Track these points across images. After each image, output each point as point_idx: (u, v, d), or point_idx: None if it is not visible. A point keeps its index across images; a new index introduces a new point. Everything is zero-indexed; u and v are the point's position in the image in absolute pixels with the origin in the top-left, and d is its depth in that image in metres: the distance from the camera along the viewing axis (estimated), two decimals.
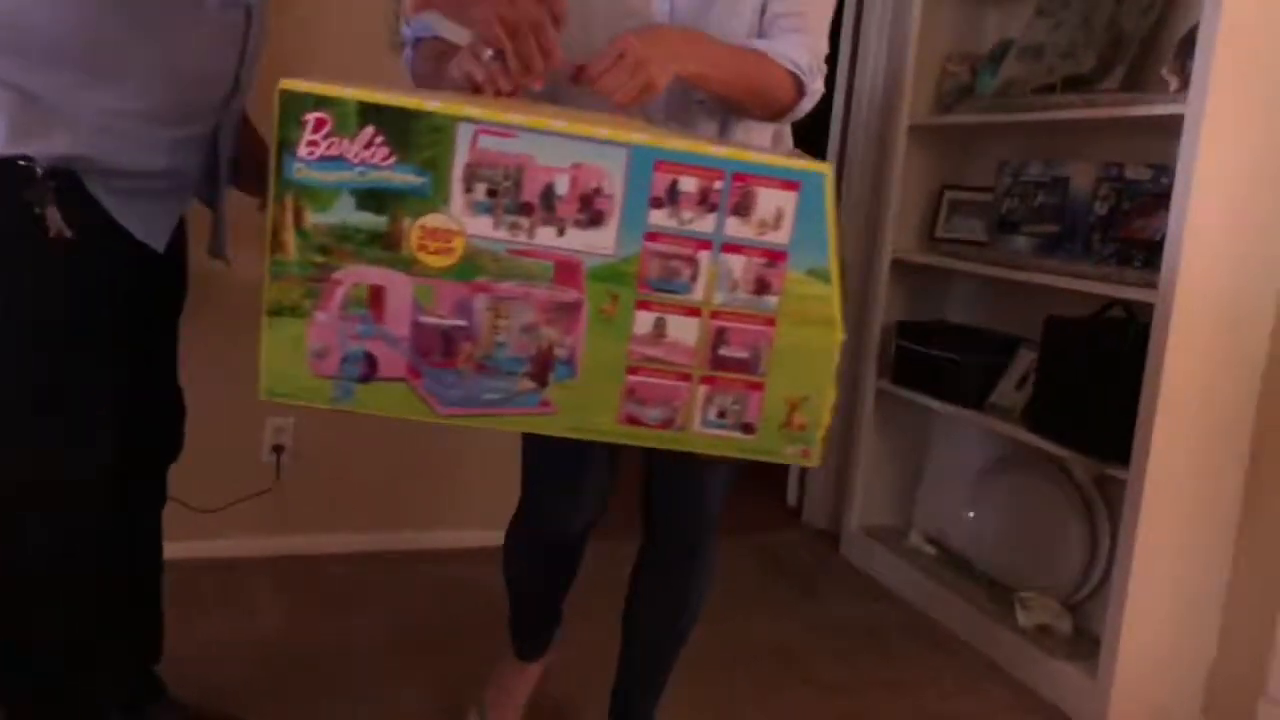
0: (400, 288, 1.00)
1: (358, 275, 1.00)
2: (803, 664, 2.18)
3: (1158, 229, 2.01)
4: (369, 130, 0.96)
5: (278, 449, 2.42)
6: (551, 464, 1.50)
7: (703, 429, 1.07)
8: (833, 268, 1.02)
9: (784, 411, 1.07)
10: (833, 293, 1.03)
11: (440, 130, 0.97)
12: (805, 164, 1.01)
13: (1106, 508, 2.21)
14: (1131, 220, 2.15)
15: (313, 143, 0.96)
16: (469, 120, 0.97)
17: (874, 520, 2.84)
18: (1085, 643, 2.14)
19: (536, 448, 1.51)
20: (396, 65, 1.39)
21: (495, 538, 1.68)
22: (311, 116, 0.96)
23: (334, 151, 0.97)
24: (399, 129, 0.97)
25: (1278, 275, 1.94)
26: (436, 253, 0.99)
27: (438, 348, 1.02)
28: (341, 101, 0.96)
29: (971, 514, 2.57)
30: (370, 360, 1.03)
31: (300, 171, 0.97)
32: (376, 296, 1.01)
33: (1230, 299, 1.91)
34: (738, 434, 1.07)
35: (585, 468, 1.48)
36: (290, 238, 0.99)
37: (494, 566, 1.66)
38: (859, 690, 2.10)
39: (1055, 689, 2.13)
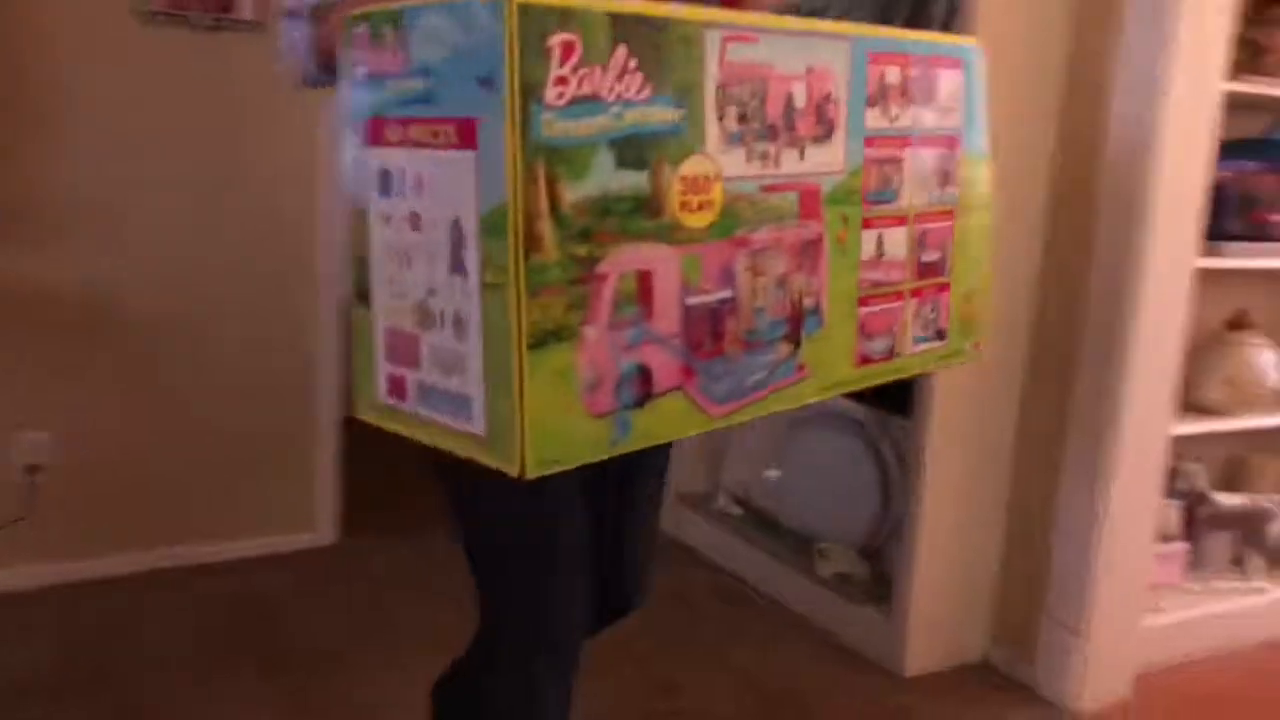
0: (668, 266, 0.76)
1: (624, 261, 0.73)
2: (608, 639, 2.17)
3: None
4: (622, 52, 0.71)
5: (32, 469, 2.22)
6: (577, 548, 1.12)
7: (913, 348, 0.97)
8: (984, 148, 0.99)
9: (961, 307, 1.01)
10: (988, 172, 0.99)
11: (689, 43, 0.75)
12: (958, 39, 0.97)
13: (896, 457, 2.28)
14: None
15: (562, 79, 0.68)
16: (715, 25, 0.76)
17: (686, 488, 2.86)
18: (882, 587, 2.21)
19: (560, 530, 1.10)
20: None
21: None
22: (558, 40, 0.67)
23: (587, 89, 0.69)
24: (652, 46, 0.72)
25: (1037, 243, 2.04)
26: (700, 209, 0.77)
27: (707, 333, 0.80)
28: (589, 15, 0.69)
29: (773, 472, 2.62)
30: (645, 375, 0.77)
31: (551, 125, 0.67)
32: (645, 285, 0.75)
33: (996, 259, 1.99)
34: (936, 343, 0.99)
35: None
36: (547, 227, 0.68)
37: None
38: (666, 656, 2.11)
39: (856, 634, 2.19)
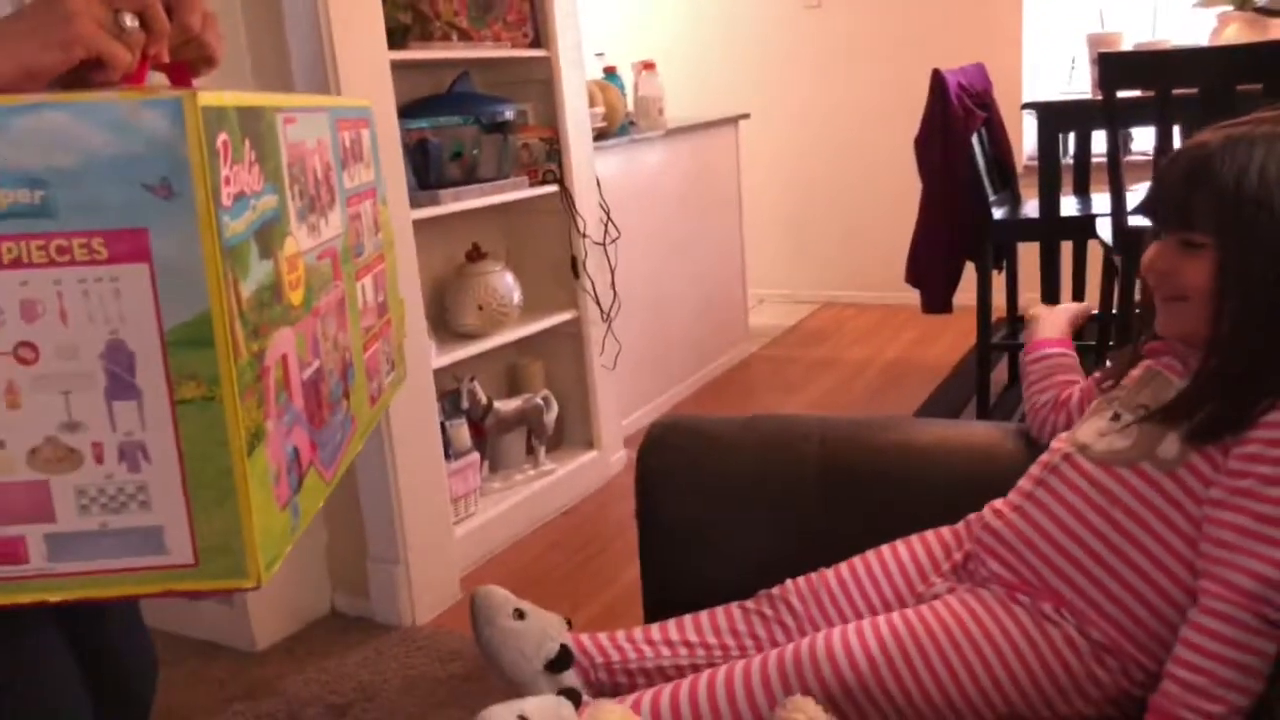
0: (292, 347, 0.74)
1: (275, 350, 0.71)
2: None
3: None
4: (247, 146, 0.69)
5: None
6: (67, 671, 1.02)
7: (385, 381, 0.99)
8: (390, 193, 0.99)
9: (397, 337, 1.05)
10: (389, 213, 1.05)
11: (272, 130, 0.74)
12: (358, 100, 1.01)
13: None
14: None
15: (227, 180, 0.65)
16: (279, 110, 0.76)
17: None
18: None
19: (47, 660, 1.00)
20: None
21: None
22: (220, 140, 0.64)
23: (239, 187, 0.67)
24: (257, 136, 0.70)
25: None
26: (296, 286, 0.76)
27: (316, 404, 0.79)
28: (231, 113, 0.66)
29: None
30: (298, 457, 0.75)
31: (228, 227, 0.64)
32: (286, 370, 0.73)
33: None
34: (392, 373, 1.02)
35: None
36: (240, 330, 0.65)
37: None
38: None
39: (205, 627, 2.23)
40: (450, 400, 2.51)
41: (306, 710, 1.95)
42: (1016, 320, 3.40)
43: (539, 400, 2.67)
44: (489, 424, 2.60)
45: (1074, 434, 1.07)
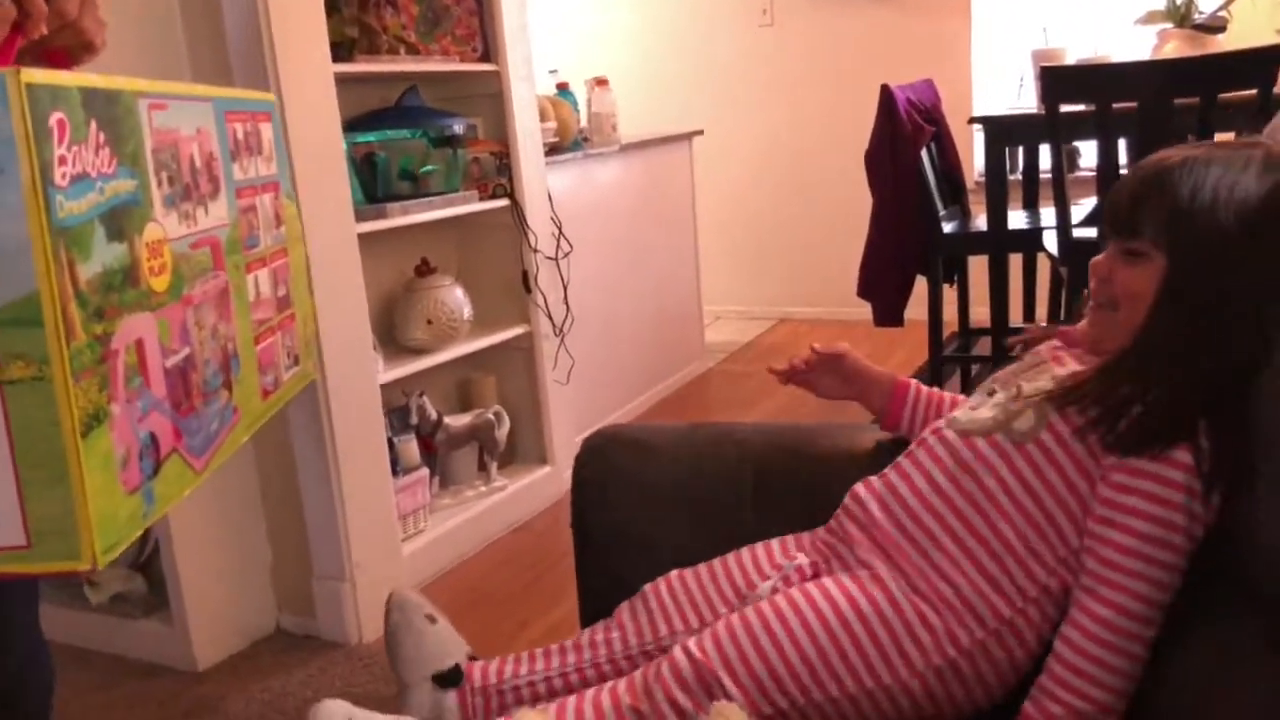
0: (151, 333, 0.75)
1: (126, 333, 0.71)
2: None
3: None
4: (94, 127, 0.69)
5: None
6: None
7: (285, 376, 0.99)
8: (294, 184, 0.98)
9: (302, 333, 1.04)
10: (295, 210, 1.05)
11: (131, 113, 0.74)
12: (263, 94, 1.02)
13: None
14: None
15: (63, 159, 0.65)
16: (143, 95, 0.76)
17: None
18: (161, 595, 2.22)
19: None
20: None
21: None
22: (55, 119, 0.64)
23: (79, 168, 0.67)
24: (110, 119, 0.71)
25: None
26: (160, 272, 0.76)
27: (183, 392, 0.79)
28: (69, 92, 0.66)
29: None
30: (155, 443, 0.75)
31: (63, 206, 0.64)
32: (141, 355, 0.73)
33: None
34: (295, 368, 1.02)
35: None
36: (75, 311, 0.65)
37: None
38: None
39: (146, 648, 2.18)
40: (398, 415, 2.49)
41: None
42: (969, 333, 3.43)
43: (490, 415, 2.65)
44: (439, 439, 2.57)
45: (952, 412, 1.11)
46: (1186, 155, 0.99)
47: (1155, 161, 1.00)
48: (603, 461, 1.24)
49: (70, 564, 0.67)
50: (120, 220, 0.72)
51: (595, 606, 1.15)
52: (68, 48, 0.88)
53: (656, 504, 1.19)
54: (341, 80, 2.14)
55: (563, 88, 3.32)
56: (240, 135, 0.93)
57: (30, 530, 0.66)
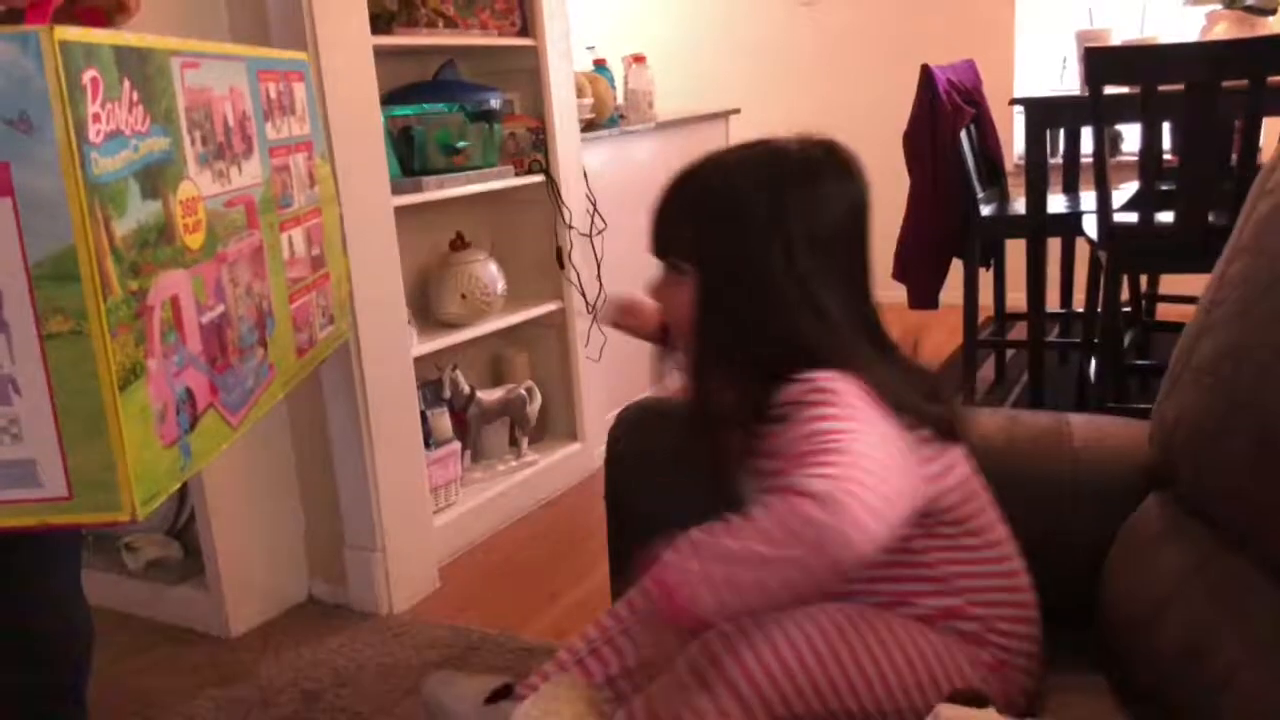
0: (186, 289, 0.76)
1: (162, 290, 0.73)
2: None
3: None
4: (127, 86, 0.69)
5: None
6: None
7: (320, 335, 1.01)
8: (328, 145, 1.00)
9: (337, 293, 1.05)
10: (329, 171, 1.04)
11: (163, 73, 0.75)
12: (295, 54, 1.01)
13: None
14: None
15: (96, 117, 0.66)
16: (177, 54, 0.77)
17: None
18: (197, 561, 2.25)
19: None
20: None
21: None
22: (88, 77, 0.65)
23: (113, 125, 0.67)
24: (143, 78, 0.72)
25: None
26: (195, 230, 0.77)
27: (219, 348, 0.81)
28: (103, 50, 0.67)
29: None
30: (191, 398, 0.77)
31: (98, 163, 0.65)
32: (176, 311, 0.75)
33: None
34: (330, 328, 1.03)
35: None
36: (111, 267, 0.66)
37: None
38: None
39: (180, 613, 2.21)
40: (432, 389, 2.50)
41: (279, 696, 1.93)
42: (1004, 317, 3.39)
43: (522, 391, 2.66)
44: (471, 413, 2.58)
45: None
46: (707, 159, 1.00)
47: (681, 173, 1.01)
48: (638, 434, 1.23)
49: (111, 514, 0.68)
50: (154, 178, 0.72)
51: (628, 580, 1.14)
52: (103, 8, 0.89)
53: (692, 478, 1.19)
54: (380, 53, 2.13)
55: (600, 64, 3.30)
56: (273, 94, 0.93)
57: (71, 482, 0.67)
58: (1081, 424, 1.20)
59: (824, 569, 0.77)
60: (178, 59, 0.77)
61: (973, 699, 0.78)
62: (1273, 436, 0.88)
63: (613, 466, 1.24)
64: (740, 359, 0.96)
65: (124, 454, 0.67)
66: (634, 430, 1.24)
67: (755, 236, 0.94)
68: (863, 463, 0.81)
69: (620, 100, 3.38)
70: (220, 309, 0.81)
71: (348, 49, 2.04)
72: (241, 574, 2.17)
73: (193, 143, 0.78)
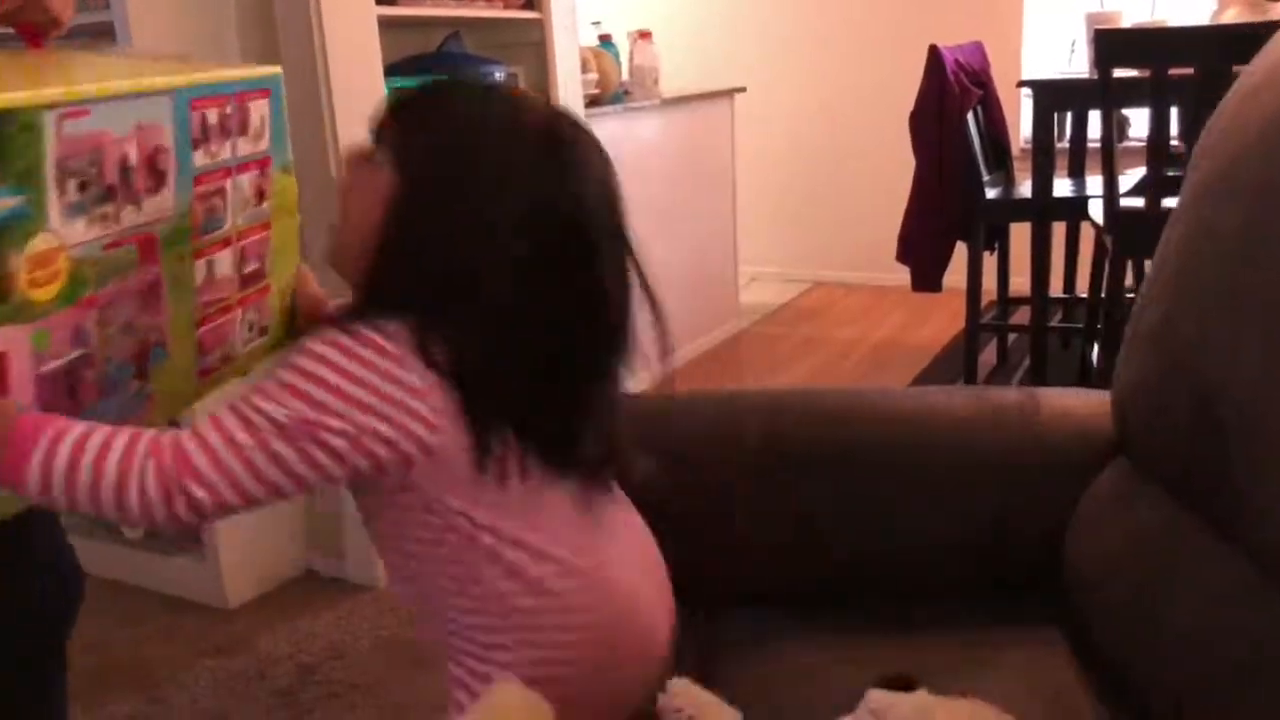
0: (20, 345, 0.77)
1: None
2: None
3: None
4: None
5: None
6: None
7: (243, 349, 1.03)
8: (290, 160, 1.04)
9: (279, 303, 1.07)
10: (293, 179, 1.05)
11: (29, 129, 0.74)
12: (265, 70, 1.01)
13: None
14: None
15: None
16: (52, 107, 0.75)
17: None
18: (195, 533, 2.25)
19: None
20: None
21: None
22: None
23: None
24: None
25: None
26: (45, 283, 0.78)
27: (62, 392, 0.82)
28: None
29: None
30: None
31: None
32: (3, 367, 0.77)
33: None
34: (259, 339, 1.05)
35: None
36: None
37: None
38: None
39: (178, 584, 2.22)
40: None
41: (276, 668, 1.94)
42: (1007, 302, 3.39)
43: None
44: None
45: None
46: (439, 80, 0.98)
47: (437, 84, 0.98)
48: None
49: None
50: None
51: None
52: (37, 23, 0.89)
53: (664, 472, 1.19)
54: (384, 24, 2.12)
55: (605, 39, 3.28)
56: (212, 120, 0.93)
57: None
58: (1048, 396, 1.23)
59: (137, 520, 0.81)
60: (54, 112, 0.77)
61: (900, 683, 0.77)
62: (1209, 398, 0.90)
63: None
64: (387, 272, 0.88)
65: None
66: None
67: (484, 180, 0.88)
68: (240, 434, 0.81)
69: (625, 76, 3.36)
70: (77, 352, 0.82)
71: (351, 18, 2.03)
72: (240, 546, 2.17)
73: (62, 193, 0.78)
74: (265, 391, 0.83)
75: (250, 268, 1.02)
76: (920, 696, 0.77)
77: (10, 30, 0.96)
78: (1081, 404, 1.21)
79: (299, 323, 1.08)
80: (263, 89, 1.01)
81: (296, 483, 0.83)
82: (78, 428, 0.80)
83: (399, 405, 0.83)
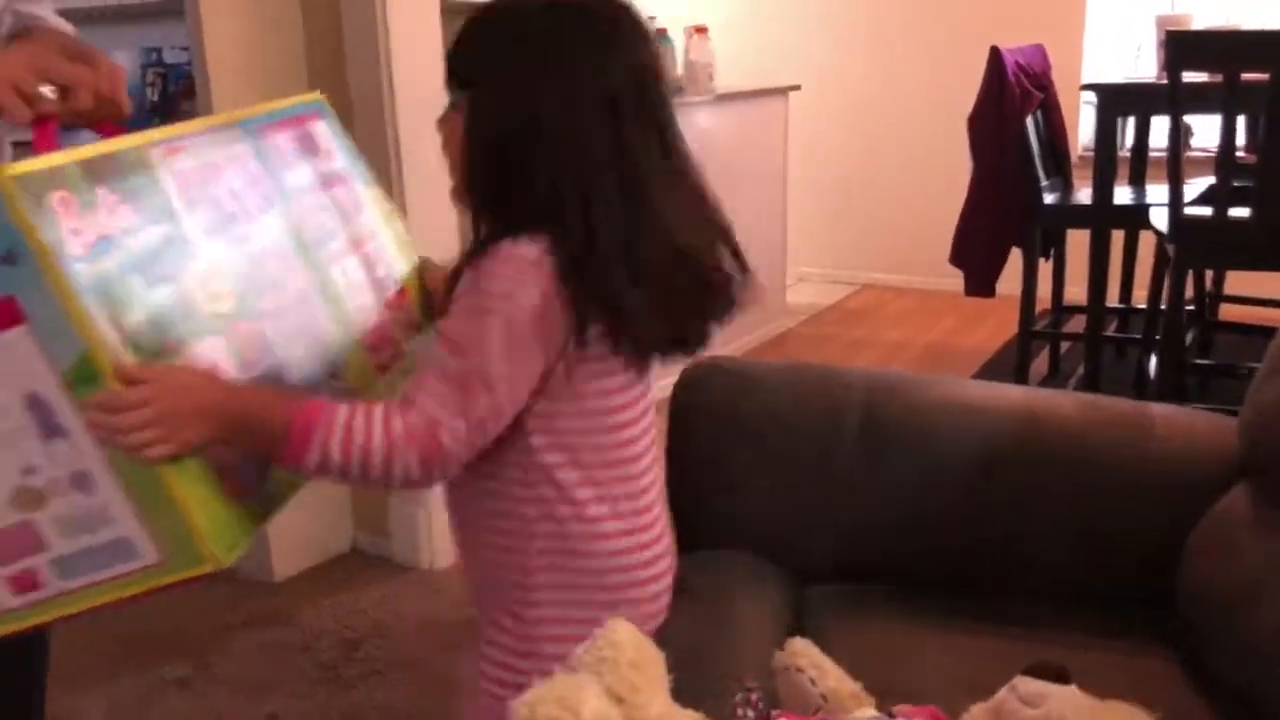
0: (221, 353, 0.84)
1: (196, 362, 0.81)
2: None
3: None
4: (103, 192, 0.76)
5: None
6: None
7: (405, 348, 1.10)
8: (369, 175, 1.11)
9: (415, 294, 1.12)
10: (380, 192, 1.12)
11: (143, 165, 0.82)
12: (308, 96, 1.06)
13: None
14: (179, 104, 2.22)
15: (76, 231, 0.73)
16: (153, 144, 0.83)
17: None
18: None
19: None
20: None
21: None
22: (56, 198, 0.72)
23: (96, 233, 0.74)
24: (120, 178, 0.78)
25: None
26: (222, 296, 0.85)
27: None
28: (67, 169, 0.74)
29: None
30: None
31: (87, 273, 0.73)
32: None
33: None
34: (418, 336, 1.13)
35: None
36: (128, 357, 0.75)
37: None
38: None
39: None
40: None
41: (320, 642, 1.95)
42: (1061, 310, 3.34)
43: None
44: None
45: None
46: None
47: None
48: (701, 390, 1.22)
49: (198, 569, 0.77)
50: (160, 263, 0.79)
51: (684, 532, 1.14)
52: (108, 117, 0.93)
53: (753, 438, 1.18)
54: (445, 10, 2.12)
55: (661, 34, 3.27)
56: (282, 145, 0.98)
57: (162, 548, 0.77)
58: (1164, 414, 1.19)
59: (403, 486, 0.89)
60: (157, 149, 0.83)
61: (1051, 673, 0.74)
62: None
63: (675, 419, 1.24)
64: (500, 191, 0.93)
65: (192, 516, 0.76)
66: (695, 386, 1.23)
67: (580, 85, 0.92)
68: (454, 398, 0.85)
69: (680, 71, 3.35)
70: (269, 361, 0.87)
71: (417, 8, 2.04)
72: (287, 520, 2.14)
73: (197, 219, 0.84)
74: (455, 340, 0.88)
75: (380, 272, 1.06)
76: (1074, 692, 0.74)
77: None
78: (1199, 423, 1.17)
79: (437, 301, 1.10)
80: (313, 114, 1.06)
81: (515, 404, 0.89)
82: (341, 412, 0.85)
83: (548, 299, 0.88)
